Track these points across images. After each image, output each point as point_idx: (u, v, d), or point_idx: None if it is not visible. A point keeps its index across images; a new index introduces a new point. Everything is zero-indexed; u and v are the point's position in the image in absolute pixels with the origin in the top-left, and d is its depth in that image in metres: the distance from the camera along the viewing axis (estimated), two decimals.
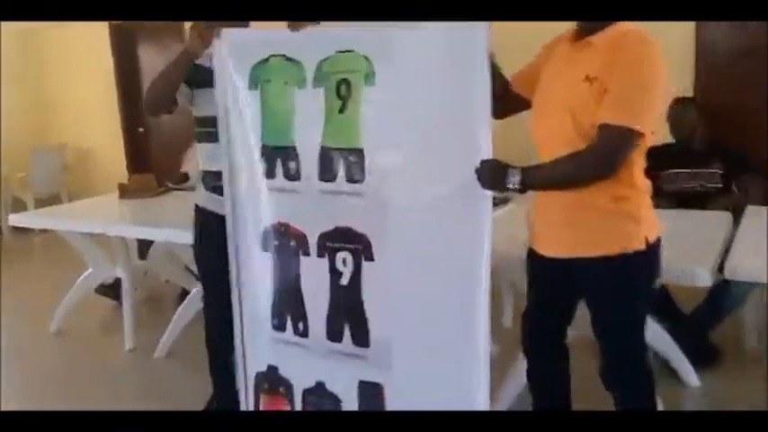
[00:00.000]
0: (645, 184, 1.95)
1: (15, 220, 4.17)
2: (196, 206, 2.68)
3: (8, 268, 5.41)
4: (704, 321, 3.12)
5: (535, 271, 2.13)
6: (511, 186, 1.88)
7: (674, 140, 3.53)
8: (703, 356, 3.05)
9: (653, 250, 1.94)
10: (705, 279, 2.20)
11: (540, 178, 1.90)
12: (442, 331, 2.08)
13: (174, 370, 3.47)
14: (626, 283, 1.93)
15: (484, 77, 1.91)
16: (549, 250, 2.02)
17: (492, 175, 1.91)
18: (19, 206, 6.34)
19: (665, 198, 3.37)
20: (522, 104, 2.07)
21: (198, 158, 2.63)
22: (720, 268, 2.31)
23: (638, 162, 1.90)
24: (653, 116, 1.82)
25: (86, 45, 6.86)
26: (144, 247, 4.15)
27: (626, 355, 2.01)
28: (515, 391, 2.57)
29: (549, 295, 2.12)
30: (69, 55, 7.07)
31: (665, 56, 1.81)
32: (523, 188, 1.89)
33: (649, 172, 3.36)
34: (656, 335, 2.83)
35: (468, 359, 2.05)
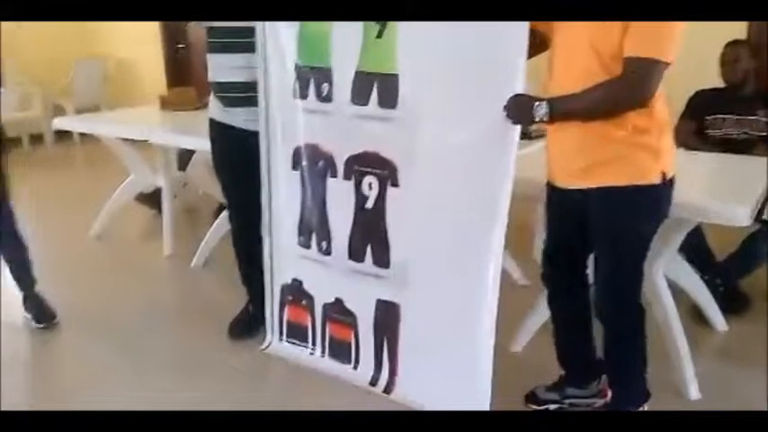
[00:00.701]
0: (666, 117, 1.96)
1: (60, 123, 4.25)
2: (210, 119, 2.67)
3: (51, 175, 5.54)
4: (737, 268, 3.11)
5: (553, 203, 2.16)
6: (538, 119, 1.92)
7: (723, 85, 3.46)
8: (733, 303, 3.06)
9: (667, 186, 1.96)
10: (743, 218, 2.18)
11: (568, 109, 1.91)
12: (458, 257, 2.13)
13: (210, 278, 3.59)
14: (636, 215, 1.96)
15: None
16: (564, 182, 2.04)
17: (519, 108, 1.95)
18: (60, 114, 6.45)
19: (710, 142, 3.33)
20: (547, 44, 2.05)
21: (209, 69, 2.60)
22: (759, 215, 2.30)
23: (661, 95, 1.90)
24: (676, 44, 1.83)
25: None
26: (184, 159, 4.22)
27: (621, 286, 2.04)
28: (540, 321, 2.63)
29: (566, 227, 2.14)
30: None
31: None
32: (551, 120, 1.92)
33: (695, 115, 3.37)
34: (686, 277, 2.85)
35: (478, 286, 2.10)
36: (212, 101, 2.66)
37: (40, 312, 3.01)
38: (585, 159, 1.96)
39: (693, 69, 3.43)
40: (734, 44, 3.47)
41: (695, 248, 3.08)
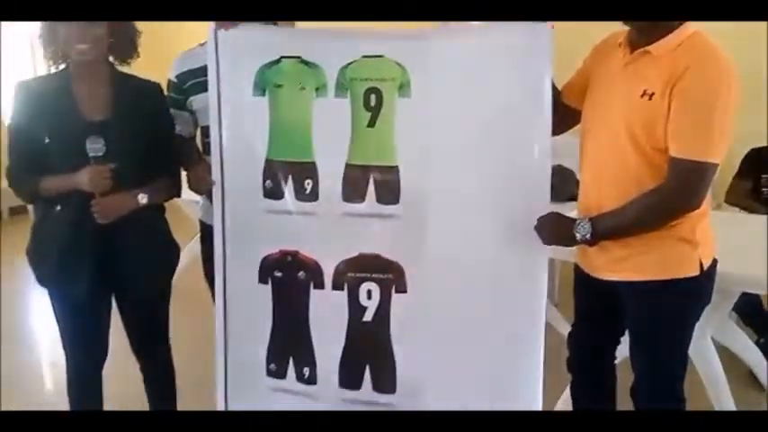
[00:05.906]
0: (702, 206, 1.76)
1: None
2: (200, 221, 2.39)
3: None
4: None
5: (582, 289, 2.01)
6: (580, 239, 1.76)
7: None
8: None
9: (707, 275, 1.81)
10: None
11: (613, 225, 1.74)
12: (487, 372, 1.88)
13: None
14: (674, 310, 1.82)
15: (544, 85, 1.76)
16: (596, 271, 1.89)
17: (556, 229, 1.81)
18: None
19: (765, 202, 3.30)
20: (577, 118, 1.89)
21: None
22: None
23: None
24: (728, 138, 1.66)
25: None
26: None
27: (661, 384, 1.88)
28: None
29: (595, 315, 2.00)
30: None
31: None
32: (594, 240, 1.76)
33: (750, 173, 3.34)
34: (738, 341, 2.81)
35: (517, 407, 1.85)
36: (203, 202, 2.35)
37: None
38: (619, 251, 1.80)
39: (747, 128, 3.42)
40: None
41: (751, 310, 3.05)
